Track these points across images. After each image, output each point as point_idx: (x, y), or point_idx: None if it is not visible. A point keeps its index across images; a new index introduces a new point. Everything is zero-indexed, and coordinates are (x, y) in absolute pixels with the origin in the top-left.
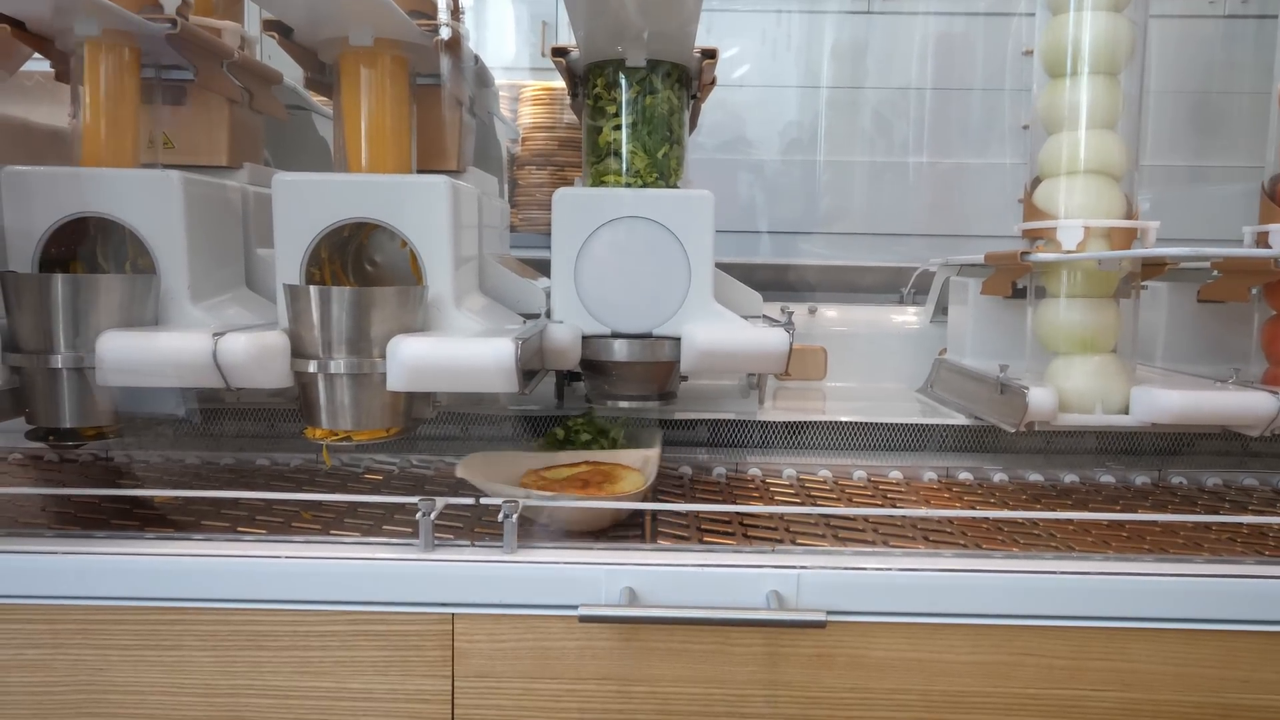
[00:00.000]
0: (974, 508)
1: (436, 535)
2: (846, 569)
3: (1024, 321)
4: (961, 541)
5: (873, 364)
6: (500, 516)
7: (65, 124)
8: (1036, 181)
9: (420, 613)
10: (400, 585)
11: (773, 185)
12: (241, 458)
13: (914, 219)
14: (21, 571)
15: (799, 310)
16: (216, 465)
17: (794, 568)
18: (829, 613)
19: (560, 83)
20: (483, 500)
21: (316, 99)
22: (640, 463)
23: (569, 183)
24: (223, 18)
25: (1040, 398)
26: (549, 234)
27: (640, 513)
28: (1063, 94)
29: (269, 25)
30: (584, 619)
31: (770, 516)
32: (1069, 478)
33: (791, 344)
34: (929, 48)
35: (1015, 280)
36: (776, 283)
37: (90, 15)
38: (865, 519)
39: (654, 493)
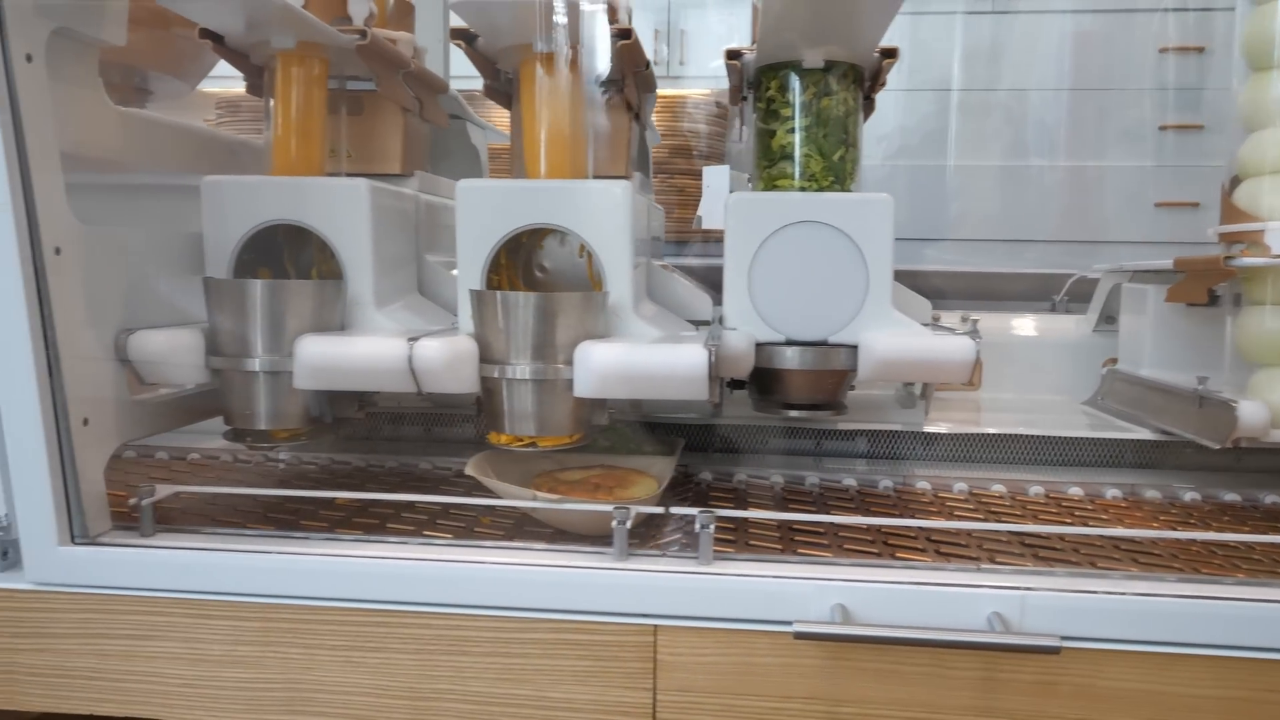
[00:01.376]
0: (1174, 528)
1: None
2: (1077, 592)
3: (1213, 331)
4: (1178, 565)
5: (1029, 374)
6: (697, 527)
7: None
8: (1235, 181)
9: (622, 623)
10: (600, 594)
11: (897, 191)
12: (404, 461)
13: (1048, 224)
14: (237, 569)
15: (947, 319)
16: (382, 468)
17: (1018, 589)
18: (1062, 638)
19: (675, 90)
20: (672, 510)
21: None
22: (657, 469)
23: (683, 192)
24: (396, 29)
25: (1252, 412)
26: (667, 241)
27: (822, 524)
28: (1269, 88)
29: (456, 34)
30: (799, 636)
31: (957, 532)
32: (1269, 498)
33: (977, 353)
34: (1065, 47)
35: (1212, 286)
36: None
37: (287, 28)
38: (1061, 538)
39: (673, 499)
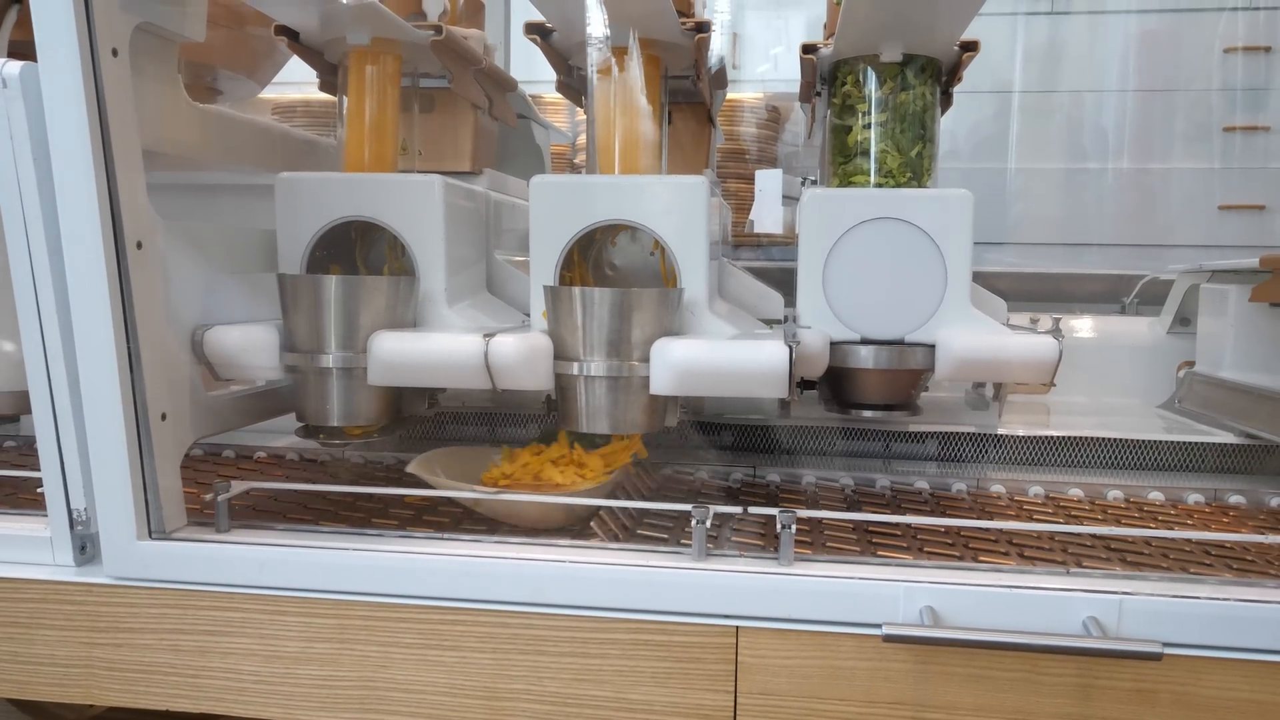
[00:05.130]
0: (1263, 533)
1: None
2: (1176, 597)
3: None
4: (1275, 572)
5: (1100, 377)
6: (779, 528)
7: (293, 133)
8: None
9: (702, 624)
10: (680, 594)
11: None
12: None
13: (1110, 227)
14: (312, 566)
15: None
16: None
17: (1114, 593)
18: (1164, 644)
19: (727, 94)
20: (751, 510)
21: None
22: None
23: (735, 196)
24: (466, 26)
25: None
26: None
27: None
28: None
29: (530, 29)
30: (889, 639)
31: (1040, 535)
32: None
33: (1061, 353)
34: (1129, 48)
35: None
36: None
37: (363, 23)
38: (1147, 542)
39: (630, 493)
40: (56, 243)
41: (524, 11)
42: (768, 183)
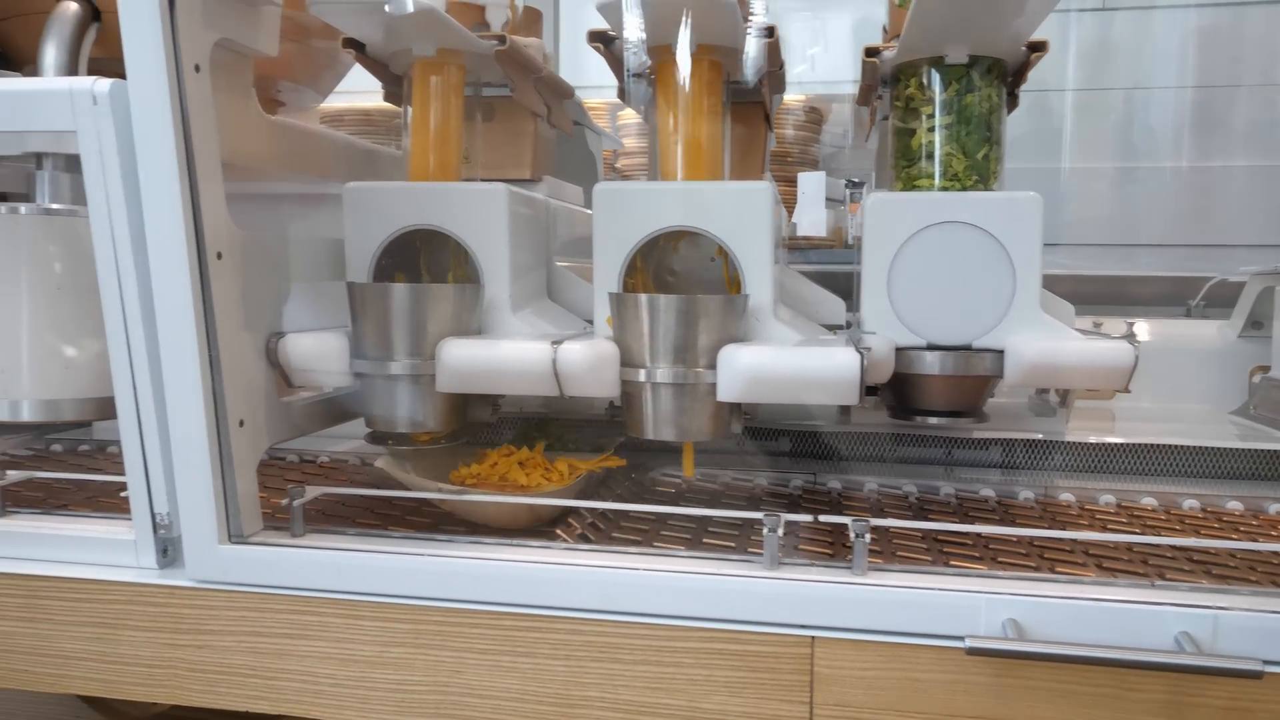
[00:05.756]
0: None
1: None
2: (1277, 613)
3: None
4: None
5: (1168, 382)
6: (852, 537)
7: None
8: None
9: (777, 634)
10: (754, 604)
11: None
12: None
13: (1169, 227)
14: (388, 571)
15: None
16: None
17: (1210, 608)
18: (1264, 662)
19: None
20: (821, 518)
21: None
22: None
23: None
24: (525, 35)
25: None
26: None
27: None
28: None
29: (594, 36)
30: (973, 652)
31: (1117, 546)
32: None
33: (1137, 358)
34: (1188, 43)
35: None
36: None
37: (428, 34)
38: (1232, 554)
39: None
40: (143, 253)
41: (572, 18)
42: (810, 185)
